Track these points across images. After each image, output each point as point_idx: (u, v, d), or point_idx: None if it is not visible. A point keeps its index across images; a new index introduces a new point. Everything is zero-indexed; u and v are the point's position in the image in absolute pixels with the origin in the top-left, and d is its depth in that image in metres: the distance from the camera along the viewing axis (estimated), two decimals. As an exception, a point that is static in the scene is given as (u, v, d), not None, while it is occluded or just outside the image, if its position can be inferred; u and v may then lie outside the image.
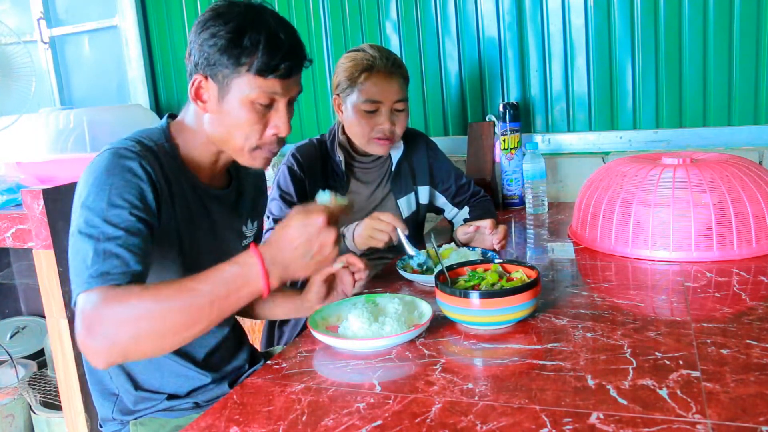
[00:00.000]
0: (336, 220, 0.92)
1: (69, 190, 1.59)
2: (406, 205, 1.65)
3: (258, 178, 1.30)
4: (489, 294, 1.01)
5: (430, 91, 2.22)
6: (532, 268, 1.11)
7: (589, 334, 0.98)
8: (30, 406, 2.17)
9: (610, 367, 0.87)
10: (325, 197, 0.97)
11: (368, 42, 2.21)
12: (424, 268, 1.34)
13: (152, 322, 0.83)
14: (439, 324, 1.08)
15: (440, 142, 1.82)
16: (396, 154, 1.64)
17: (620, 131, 1.99)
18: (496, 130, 2.03)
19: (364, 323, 1.03)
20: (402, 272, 1.33)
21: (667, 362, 0.87)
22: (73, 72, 2.89)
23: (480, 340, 1.01)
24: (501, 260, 1.19)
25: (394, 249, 1.40)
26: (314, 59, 2.34)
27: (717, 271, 1.24)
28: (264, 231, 1.39)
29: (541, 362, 0.91)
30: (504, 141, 1.99)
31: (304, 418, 0.81)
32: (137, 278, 0.89)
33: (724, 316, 1.02)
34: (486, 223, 1.41)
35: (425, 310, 1.09)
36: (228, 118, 1.02)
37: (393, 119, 1.51)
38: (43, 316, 1.69)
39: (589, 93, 2.01)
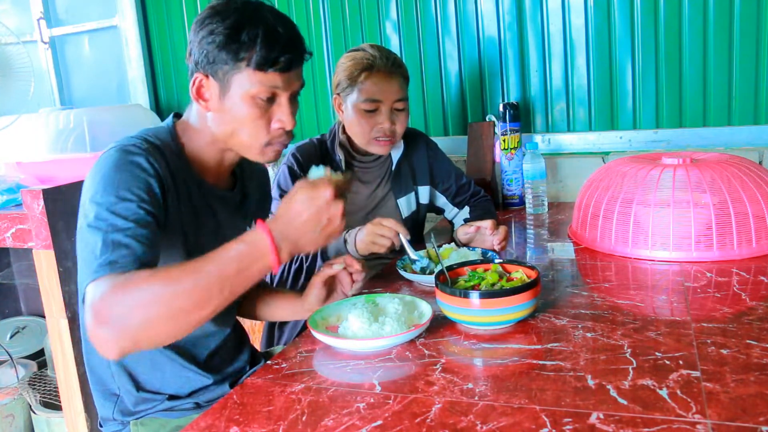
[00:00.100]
0: (341, 192, 0.92)
1: (69, 190, 1.59)
2: (406, 204, 1.66)
3: (263, 180, 1.30)
4: (489, 294, 1.01)
5: (430, 91, 2.22)
6: (532, 268, 1.11)
7: (589, 334, 0.98)
8: (30, 406, 2.17)
9: (610, 367, 0.87)
10: (318, 172, 0.96)
11: (368, 42, 2.20)
12: (428, 272, 1.34)
13: (163, 304, 0.82)
14: (439, 324, 1.08)
15: (440, 142, 1.82)
16: (396, 154, 1.64)
17: (620, 131, 1.99)
18: (496, 130, 2.03)
19: (364, 323, 1.03)
20: (402, 272, 1.33)
21: (667, 362, 0.87)
22: (73, 72, 2.89)
23: (480, 340, 1.01)
24: (501, 260, 1.19)
25: (395, 251, 1.40)
26: (314, 59, 2.34)
27: (717, 271, 1.24)
28: None
29: (541, 362, 0.91)
30: (504, 141, 1.99)
31: (304, 418, 0.81)
32: (146, 266, 0.88)
33: (724, 316, 1.02)
34: (487, 224, 1.41)
35: (425, 310, 1.09)
36: (231, 115, 1.02)
37: (393, 118, 1.51)
38: (43, 316, 1.69)
39: (589, 93, 2.01)
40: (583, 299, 1.14)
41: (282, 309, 1.28)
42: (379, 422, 0.78)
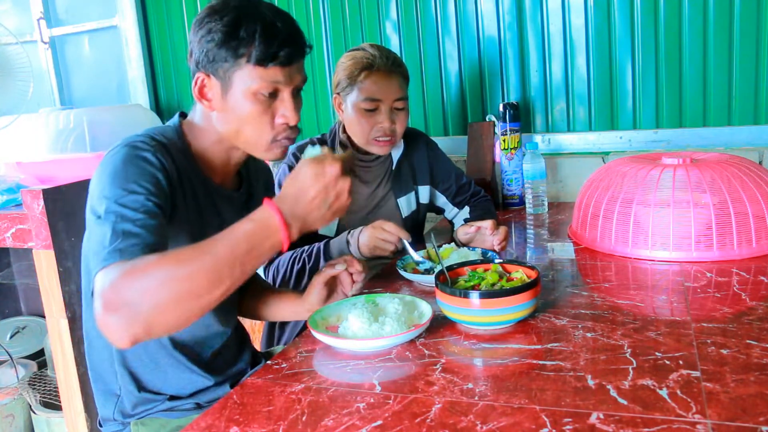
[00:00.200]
0: (347, 168, 0.92)
1: (69, 190, 1.59)
2: (406, 204, 1.66)
3: (268, 180, 1.30)
4: (489, 294, 1.01)
5: (430, 91, 2.22)
6: (532, 268, 1.11)
7: (589, 334, 0.98)
8: (30, 406, 2.17)
9: (610, 367, 0.87)
10: (315, 151, 0.96)
11: (368, 42, 2.20)
12: (432, 272, 1.34)
13: (174, 287, 0.79)
14: (439, 324, 1.08)
15: (440, 142, 1.82)
16: (396, 153, 1.64)
17: (620, 131, 1.99)
18: (496, 130, 2.03)
19: (364, 323, 1.03)
20: (402, 272, 1.33)
21: (667, 362, 0.87)
22: (73, 72, 2.89)
23: (480, 340, 1.01)
24: (501, 260, 1.19)
25: (396, 251, 1.41)
26: (314, 59, 2.34)
27: (717, 271, 1.24)
28: None
29: (541, 362, 0.91)
30: (504, 141, 1.99)
31: (304, 418, 0.81)
32: (155, 252, 0.87)
33: (724, 316, 1.02)
34: (487, 224, 1.41)
35: (425, 310, 1.09)
36: (234, 113, 1.01)
37: (393, 118, 1.51)
38: (43, 316, 1.69)
39: (589, 93, 2.01)
40: (583, 299, 1.14)
41: (282, 309, 1.28)
42: (379, 422, 0.78)
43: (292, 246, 1.48)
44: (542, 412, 0.77)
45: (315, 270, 1.45)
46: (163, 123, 1.19)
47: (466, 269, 1.18)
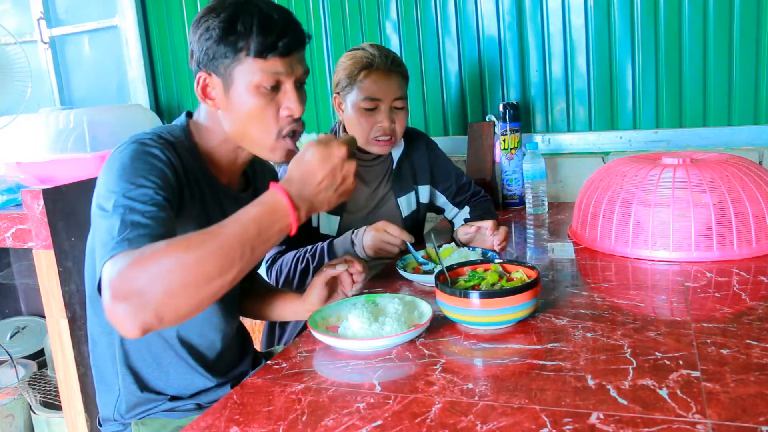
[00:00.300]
0: (352, 152, 0.92)
1: (69, 190, 1.59)
2: (406, 204, 1.66)
3: (274, 180, 1.30)
4: (489, 294, 1.01)
5: (430, 91, 2.22)
6: (532, 268, 1.11)
7: (589, 334, 0.98)
8: (30, 406, 2.17)
9: (610, 367, 0.87)
10: (311, 137, 0.96)
11: (368, 42, 2.20)
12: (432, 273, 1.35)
13: (184, 272, 0.77)
14: (439, 324, 1.08)
15: (440, 142, 1.83)
16: (397, 153, 1.64)
17: (620, 131, 1.99)
18: (496, 130, 2.03)
19: (364, 323, 1.03)
20: (402, 272, 1.33)
21: (667, 362, 0.87)
22: (73, 72, 2.89)
23: (480, 340, 1.01)
24: (501, 260, 1.19)
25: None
26: (314, 59, 2.34)
27: (717, 271, 1.24)
28: None
29: (541, 362, 0.91)
30: (504, 141, 1.99)
31: (304, 418, 0.81)
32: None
33: (724, 316, 1.02)
34: (487, 224, 1.41)
35: (425, 310, 1.09)
36: (238, 110, 1.01)
37: (393, 117, 1.51)
38: (43, 316, 1.69)
39: (589, 93, 2.01)
40: (583, 299, 1.14)
41: (283, 309, 1.28)
42: (379, 422, 0.78)
43: (294, 245, 1.48)
44: (542, 412, 0.77)
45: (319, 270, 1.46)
46: (163, 123, 1.18)
47: (466, 269, 1.18)
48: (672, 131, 1.93)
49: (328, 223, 1.54)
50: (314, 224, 1.54)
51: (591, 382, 0.83)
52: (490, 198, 1.75)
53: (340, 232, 1.54)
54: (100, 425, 1.19)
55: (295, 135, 1.04)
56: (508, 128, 1.98)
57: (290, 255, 1.46)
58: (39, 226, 1.53)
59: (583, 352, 0.93)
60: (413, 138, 1.69)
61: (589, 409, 0.77)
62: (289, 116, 1.02)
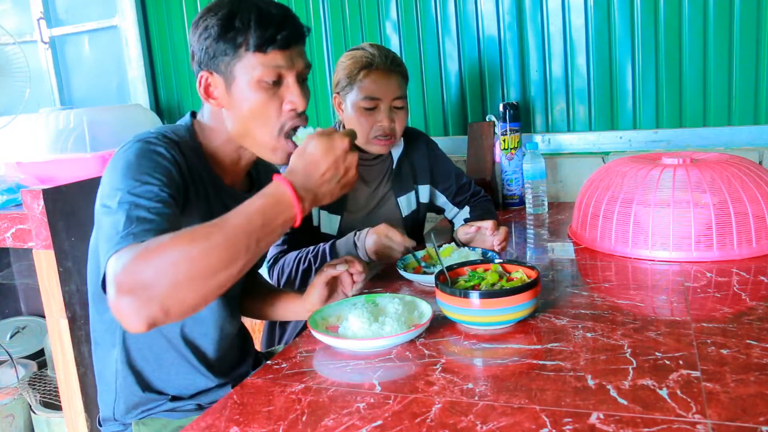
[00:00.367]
0: (353, 144, 0.92)
1: (69, 190, 1.59)
2: (406, 203, 1.66)
3: None
4: (489, 294, 1.01)
5: (430, 91, 2.22)
6: (532, 268, 1.11)
7: (589, 334, 0.98)
8: (30, 406, 2.17)
9: (610, 367, 0.87)
10: (308, 131, 0.96)
11: (368, 42, 2.21)
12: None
13: (190, 264, 0.76)
14: (439, 324, 1.08)
15: (440, 142, 1.82)
16: (396, 153, 1.64)
17: (620, 131, 1.99)
18: (496, 130, 2.03)
19: (364, 323, 1.03)
20: (402, 272, 1.33)
21: (667, 362, 0.87)
22: (73, 72, 2.89)
23: (480, 340, 1.01)
24: (501, 260, 1.19)
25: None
26: (314, 59, 2.34)
27: (717, 271, 1.24)
28: None
29: (541, 362, 0.91)
30: (504, 141, 1.99)
31: (304, 418, 0.81)
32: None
33: (724, 316, 1.02)
34: (487, 224, 1.41)
35: (425, 310, 1.09)
36: (240, 107, 1.01)
37: (392, 116, 1.51)
38: (43, 316, 1.69)
39: (589, 93, 2.01)
40: (583, 299, 1.14)
41: (283, 309, 1.28)
42: (379, 422, 0.78)
43: (295, 244, 1.48)
44: (542, 412, 0.77)
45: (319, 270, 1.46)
46: (163, 123, 1.18)
47: (466, 269, 1.18)
48: (672, 131, 1.93)
49: (328, 223, 1.54)
50: (315, 223, 1.54)
51: (591, 382, 0.83)
52: (490, 198, 1.75)
53: (341, 231, 1.54)
54: (100, 425, 1.19)
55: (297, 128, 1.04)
56: (508, 128, 1.98)
57: (292, 255, 1.46)
58: (39, 226, 1.53)
59: (583, 352, 0.93)
60: (413, 138, 1.69)
61: (589, 409, 0.77)
62: (292, 110, 1.01)
